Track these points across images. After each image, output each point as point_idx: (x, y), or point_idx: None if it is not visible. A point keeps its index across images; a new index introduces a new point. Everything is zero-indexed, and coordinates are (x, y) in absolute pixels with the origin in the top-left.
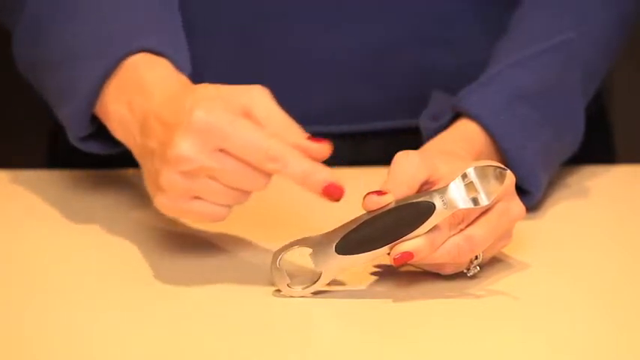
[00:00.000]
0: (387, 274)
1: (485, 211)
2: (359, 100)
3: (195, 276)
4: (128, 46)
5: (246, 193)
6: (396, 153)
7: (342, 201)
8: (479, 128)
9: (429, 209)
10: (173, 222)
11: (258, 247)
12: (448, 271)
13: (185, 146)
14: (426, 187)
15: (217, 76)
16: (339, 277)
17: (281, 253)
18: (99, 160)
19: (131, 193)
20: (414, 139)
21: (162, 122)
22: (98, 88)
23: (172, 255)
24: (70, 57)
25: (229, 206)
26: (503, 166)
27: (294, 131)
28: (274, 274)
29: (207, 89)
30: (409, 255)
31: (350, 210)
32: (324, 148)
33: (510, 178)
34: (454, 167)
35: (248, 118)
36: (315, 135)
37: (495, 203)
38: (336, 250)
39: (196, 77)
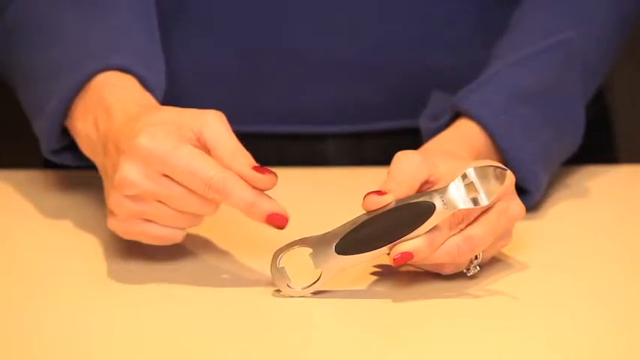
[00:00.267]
0: (387, 274)
1: (485, 210)
2: (359, 101)
3: (195, 276)
4: (97, 65)
5: (198, 217)
6: (395, 153)
7: (342, 201)
8: (478, 128)
9: (429, 209)
10: None
11: (258, 247)
12: (448, 271)
13: (128, 171)
14: (426, 186)
15: (217, 78)
16: (339, 277)
17: (281, 253)
18: None
19: None
20: (413, 139)
21: (115, 145)
22: (67, 106)
23: (172, 255)
24: (42, 73)
25: (183, 229)
26: (503, 166)
27: (241, 160)
28: (274, 274)
29: (160, 114)
30: (409, 255)
31: (350, 210)
32: (269, 179)
33: (510, 178)
34: (454, 167)
35: (199, 143)
36: (316, 135)
37: (495, 203)
38: (336, 250)
39: (196, 79)
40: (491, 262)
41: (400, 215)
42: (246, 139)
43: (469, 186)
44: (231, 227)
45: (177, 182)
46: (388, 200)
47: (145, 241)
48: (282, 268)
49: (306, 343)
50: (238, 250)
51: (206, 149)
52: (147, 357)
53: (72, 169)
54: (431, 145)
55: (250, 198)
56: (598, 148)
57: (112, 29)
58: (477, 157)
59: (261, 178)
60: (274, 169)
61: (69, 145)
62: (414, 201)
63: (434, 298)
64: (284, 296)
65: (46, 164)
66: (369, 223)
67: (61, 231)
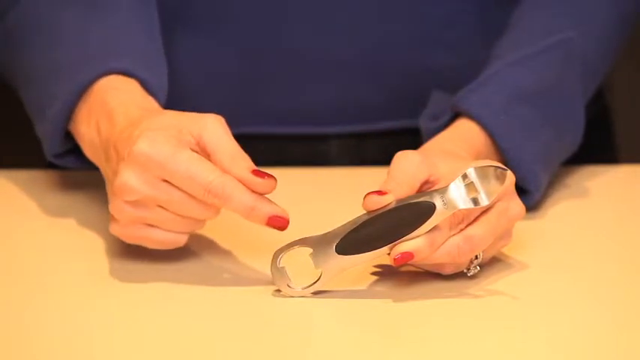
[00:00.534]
0: (387, 274)
1: (485, 210)
2: (359, 101)
3: (195, 276)
4: (99, 68)
5: (200, 221)
6: (395, 153)
7: (342, 201)
8: (478, 128)
9: (429, 209)
10: None
11: (259, 246)
12: (448, 271)
13: (127, 177)
14: (426, 186)
15: (218, 78)
16: (340, 277)
17: (281, 252)
18: None
19: None
20: (414, 139)
21: (116, 151)
22: (70, 109)
23: (173, 255)
24: (42, 74)
25: (185, 233)
26: (503, 166)
27: (240, 164)
28: (274, 274)
29: (159, 118)
30: (409, 255)
31: (350, 210)
32: (269, 183)
33: (510, 178)
34: (454, 167)
35: (199, 147)
36: (317, 135)
37: (495, 203)
38: (336, 250)
39: (197, 79)
40: (492, 262)
41: (400, 215)
42: (247, 140)
43: (469, 186)
44: (232, 227)
45: (176, 187)
46: (388, 200)
47: (147, 245)
48: (283, 267)
49: (306, 343)
50: (239, 250)
51: (205, 153)
52: (147, 356)
53: (74, 169)
54: (431, 145)
55: (250, 202)
56: (598, 147)
57: (112, 29)
58: (477, 157)
59: (260, 182)
60: (274, 170)
61: (72, 148)
62: (415, 201)
63: (434, 298)
64: (284, 296)
65: (49, 165)
66: (370, 223)
67: (63, 230)
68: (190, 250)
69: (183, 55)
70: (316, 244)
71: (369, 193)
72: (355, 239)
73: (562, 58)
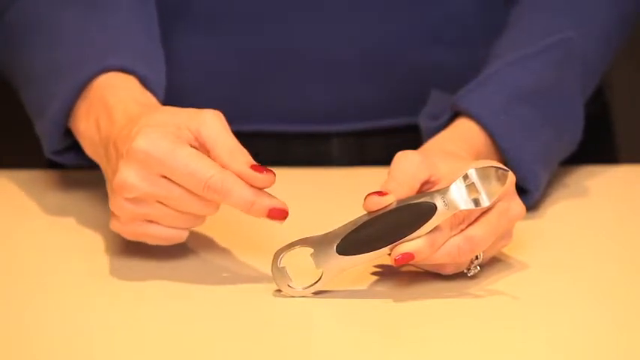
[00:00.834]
0: (387, 274)
1: (486, 211)
2: (359, 100)
3: (196, 276)
4: (98, 66)
5: (200, 217)
6: (396, 152)
7: (343, 201)
8: (478, 128)
9: (430, 210)
10: None
11: (259, 247)
12: (448, 271)
13: (126, 174)
14: (426, 187)
15: (218, 77)
16: (340, 277)
17: (282, 252)
18: None
19: None
20: (414, 138)
21: (116, 148)
22: (69, 107)
23: (173, 253)
24: (42, 73)
25: (186, 229)
26: (504, 166)
27: (239, 158)
28: (275, 274)
29: (158, 115)
30: (410, 256)
31: (351, 210)
32: (268, 178)
33: (511, 178)
34: (454, 167)
35: (197, 142)
36: (319, 134)
37: (495, 203)
38: (336, 251)
39: (197, 78)
40: (492, 262)
41: (401, 216)
42: (248, 137)
43: (470, 187)
44: (233, 226)
45: (176, 183)
46: (389, 201)
47: (148, 241)
48: (283, 267)
49: (307, 343)
50: (239, 250)
51: (204, 148)
52: (147, 355)
53: (73, 168)
54: (431, 145)
55: (249, 197)
56: (598, 147)
57: (112, 29)
58: (477, 157)
59: (259, 176)
60: (275, 169)
61: (71, 145)
62: (415, 201)
63: (434, 298)
64: (285, 296)
65: (49, 165)
66: (370, 224)
67: (63, 229)
68: (191, 250)
69: (184, 54)
70: (317, 244)
71: (369, 194)
72: (356, 240)
73: (562, 58)
